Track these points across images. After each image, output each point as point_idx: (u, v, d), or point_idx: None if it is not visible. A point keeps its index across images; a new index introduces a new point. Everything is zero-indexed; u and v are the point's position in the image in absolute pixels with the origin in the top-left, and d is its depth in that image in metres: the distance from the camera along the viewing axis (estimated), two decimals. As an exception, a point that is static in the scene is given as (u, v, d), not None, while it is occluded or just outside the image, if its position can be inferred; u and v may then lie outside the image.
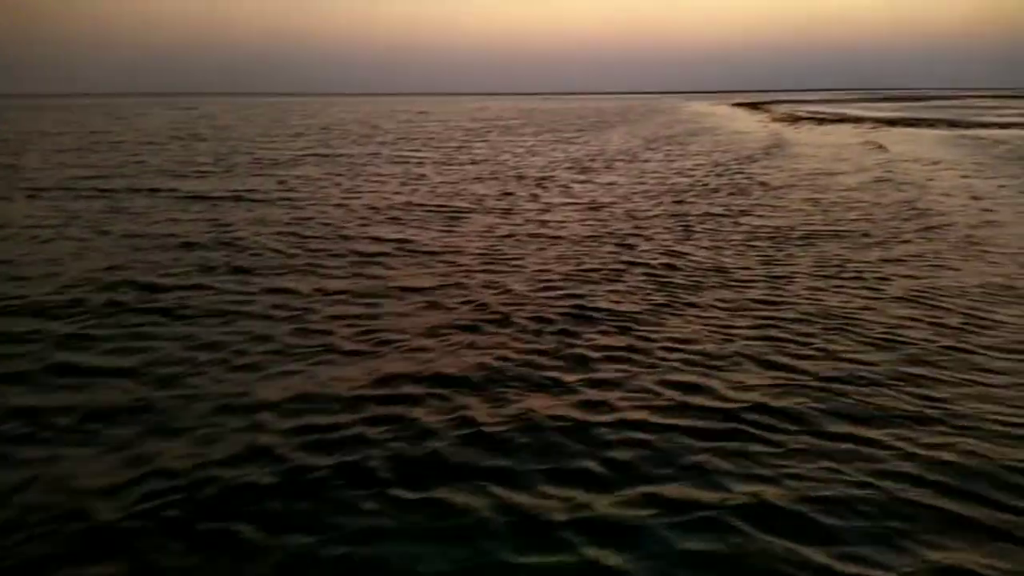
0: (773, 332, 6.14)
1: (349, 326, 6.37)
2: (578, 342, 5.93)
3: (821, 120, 46.24)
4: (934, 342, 5.89)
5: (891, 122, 42.15)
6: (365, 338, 6.08)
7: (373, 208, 12.72)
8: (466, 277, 8.02)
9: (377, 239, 10.09)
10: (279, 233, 10.51)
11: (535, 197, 13.97)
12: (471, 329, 6.30)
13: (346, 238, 10.18)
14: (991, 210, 12.06)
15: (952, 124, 39.84)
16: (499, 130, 39.01)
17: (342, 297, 7.29)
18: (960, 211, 11.98)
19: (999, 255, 8.92)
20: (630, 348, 5.80)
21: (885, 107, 69.95)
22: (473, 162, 20.71)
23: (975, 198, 13.28)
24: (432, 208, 12.66)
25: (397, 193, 14.56)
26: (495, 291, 7.46)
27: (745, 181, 16.00)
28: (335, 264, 8.69)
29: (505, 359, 5.57)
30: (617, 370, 5.36)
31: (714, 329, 6.24)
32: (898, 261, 8.70)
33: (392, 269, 8.47)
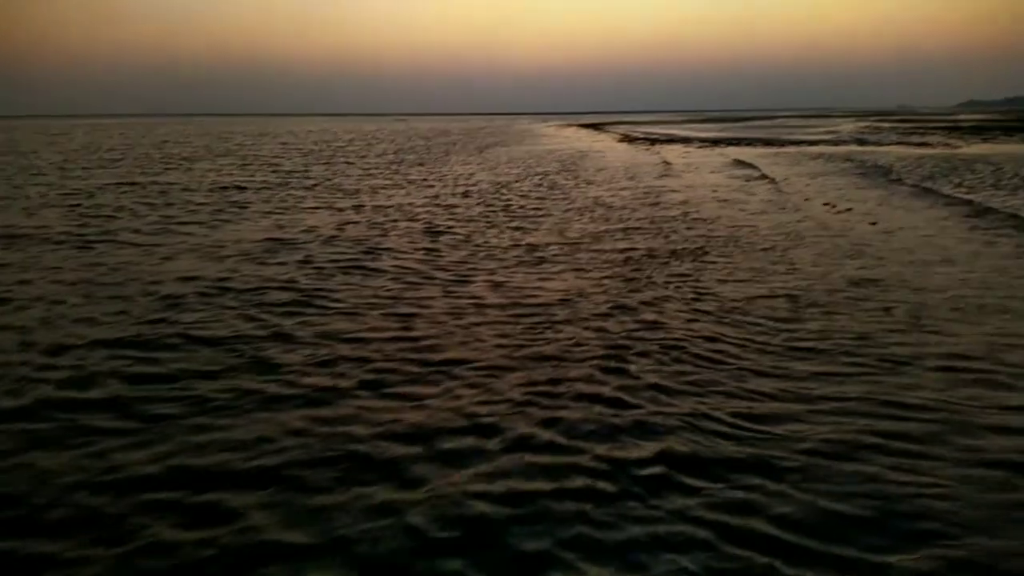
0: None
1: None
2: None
3: (654, 140, 48.90)
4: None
5: (715, 142, 45.26)
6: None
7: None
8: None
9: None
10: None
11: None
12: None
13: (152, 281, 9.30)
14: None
15: (767, 143, 43.40)
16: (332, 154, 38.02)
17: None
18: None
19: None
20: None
21: (711, 128, 75.29)
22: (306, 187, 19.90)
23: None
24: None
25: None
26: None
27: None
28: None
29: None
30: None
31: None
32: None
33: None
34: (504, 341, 6.74)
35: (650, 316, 7.43)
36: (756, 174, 22.69)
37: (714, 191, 18.42)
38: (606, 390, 5.52)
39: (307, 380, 5.80)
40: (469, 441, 4.74)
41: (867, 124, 76.05)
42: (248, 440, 4.74)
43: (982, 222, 13.12)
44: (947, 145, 37.82)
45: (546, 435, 4.81)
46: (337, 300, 8.21)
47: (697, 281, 8.90)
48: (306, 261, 10.36)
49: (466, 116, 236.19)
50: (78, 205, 16.67)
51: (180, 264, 10.24)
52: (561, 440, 4.74)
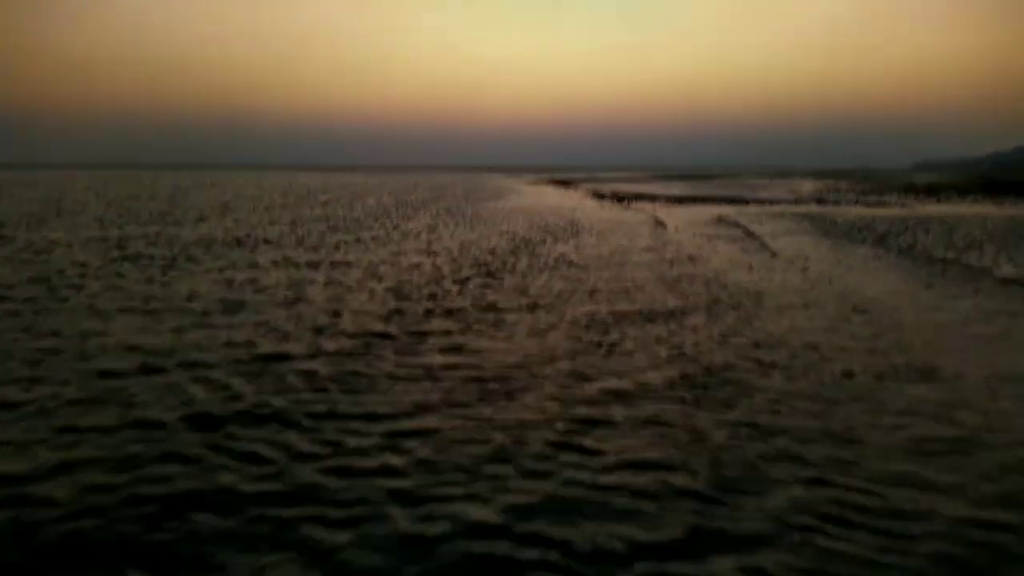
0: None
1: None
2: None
3: (624, 198, 49.57)
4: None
5: (682, 199, 46.06)
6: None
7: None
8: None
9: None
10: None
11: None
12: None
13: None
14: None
15: (732, 201, 44.26)
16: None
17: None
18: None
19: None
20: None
21: (676, 185, 76.76)
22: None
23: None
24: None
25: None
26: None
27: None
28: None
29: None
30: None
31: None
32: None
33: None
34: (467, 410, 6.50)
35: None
36: (740, 232, 22.99)
37: (717, 252, 18.55)
38: (557, 467, 5.31)
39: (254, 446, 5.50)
40: (404, 525, 4.48)
41: (826, 184, 78.30)
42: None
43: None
44: (903, 205, 38.98)
45: (493, 518, 4.56)
46: (290, 360, 7.92)
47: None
48: (262, 323, 10.05)
49: (433, 171, 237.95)
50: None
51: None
52: (507, 521, 4.51)
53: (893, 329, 9.62)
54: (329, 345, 8.77)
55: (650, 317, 10.38)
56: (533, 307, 11.14)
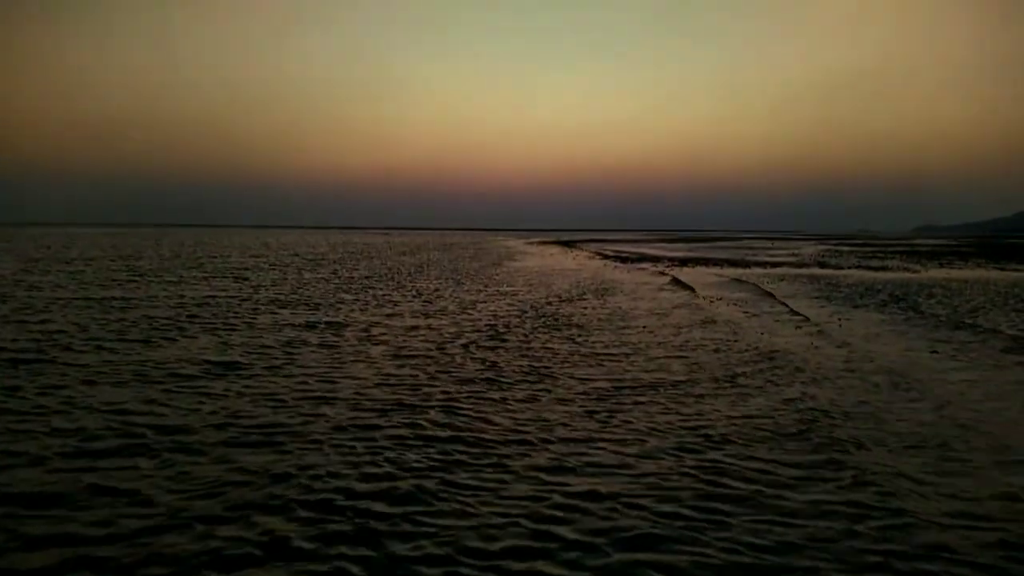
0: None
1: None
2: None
3: (627, 258, 49.60)
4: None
5: (685, 261, 46.07)
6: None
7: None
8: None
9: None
10: None
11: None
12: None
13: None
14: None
15: (732, 263, 44.25)
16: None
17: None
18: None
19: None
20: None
21: (678, 247, 77.09)
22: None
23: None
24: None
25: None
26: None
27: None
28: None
29: None
30: None
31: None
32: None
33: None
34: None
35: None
36: (759, 294, 22.77)
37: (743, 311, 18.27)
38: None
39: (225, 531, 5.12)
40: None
41: (827, 247, 78.59)
42: None
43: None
44: (906, 269, 38.85)
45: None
46: (281, 428, 7.56)
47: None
48: (254, 387, 9.71)
49: (438, 231, 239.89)
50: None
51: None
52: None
53: (945, 403, 9.18)
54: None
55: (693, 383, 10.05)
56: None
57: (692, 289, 25.07)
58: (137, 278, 28.00)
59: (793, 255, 57.25)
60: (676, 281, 28.59)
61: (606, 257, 51.11)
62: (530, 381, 10.21)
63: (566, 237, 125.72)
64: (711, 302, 20.91)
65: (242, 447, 7.09)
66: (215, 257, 45.78)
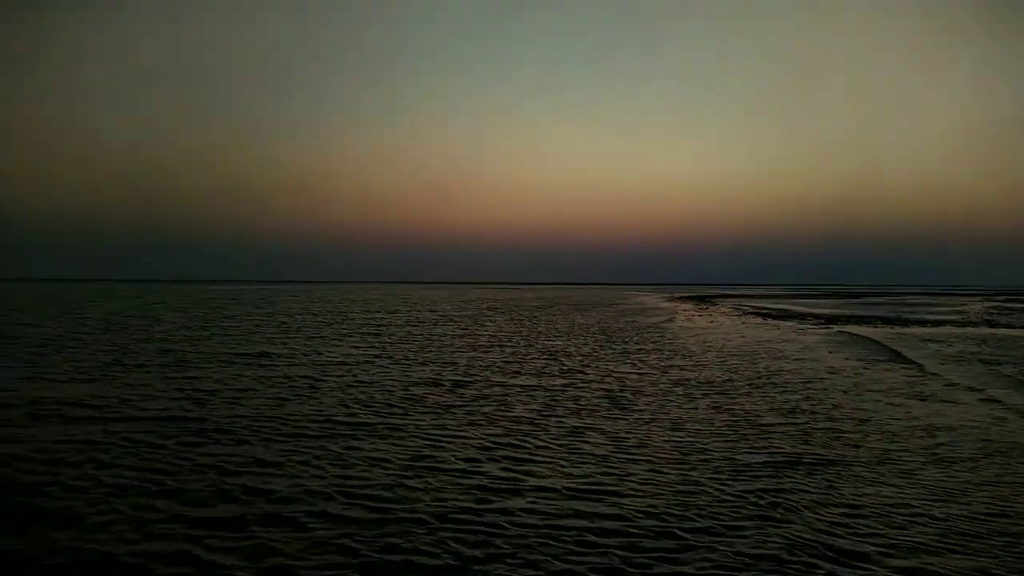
0: None
1: None
2: None
3: (776, 315, 46.58)
4: None
5: (832, 319, 42.62)
6: None
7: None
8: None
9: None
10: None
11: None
12: None
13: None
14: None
15: (887, 321, 40.39)
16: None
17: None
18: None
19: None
20: None
21: (824, 303, 72.09)
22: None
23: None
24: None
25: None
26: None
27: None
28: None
29: None
30: None
31: None
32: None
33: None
34: None
35: None
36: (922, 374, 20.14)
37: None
38: None
39: None
40: None
41: (994, 304, 70.86)
42: None
43: None
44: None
45: None
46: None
47: None
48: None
49: (568, 287, 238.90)
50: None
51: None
52: None
53: None
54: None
55: None
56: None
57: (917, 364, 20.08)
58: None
59: (956, 312, 51.74)
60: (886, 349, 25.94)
61: (759, 314, 48.09)
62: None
63: (685, 292, 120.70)
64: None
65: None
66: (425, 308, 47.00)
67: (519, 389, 14.07)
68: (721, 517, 6.57)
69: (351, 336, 26.63)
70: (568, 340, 26.08)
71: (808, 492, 7.38)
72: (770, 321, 40.46)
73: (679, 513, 6.67)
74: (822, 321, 40.31)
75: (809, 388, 14.50)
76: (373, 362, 18.24)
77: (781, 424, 10.84)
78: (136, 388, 13.55)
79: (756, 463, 8.52)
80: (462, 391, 13.73)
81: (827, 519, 6.57)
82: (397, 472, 8.02)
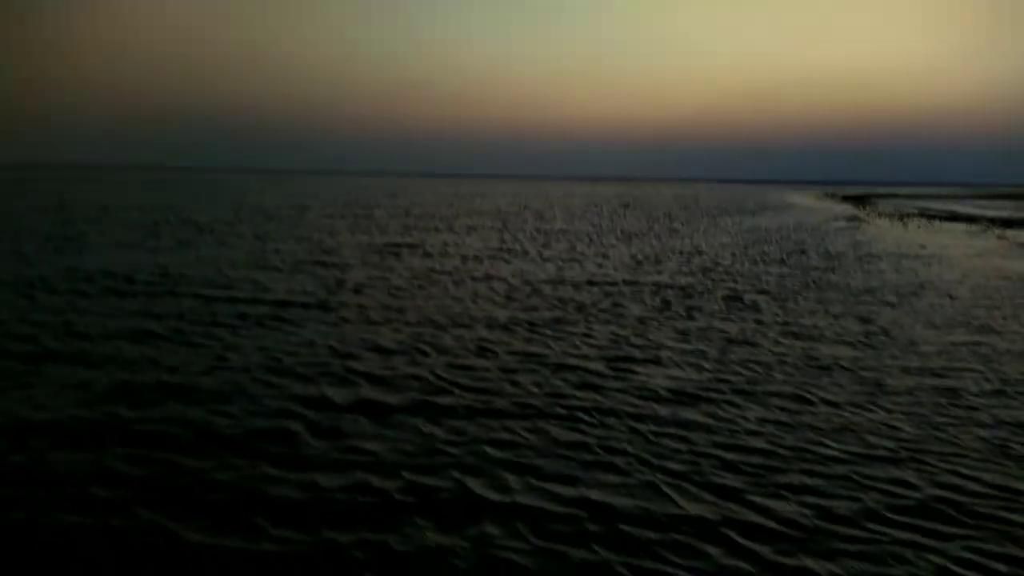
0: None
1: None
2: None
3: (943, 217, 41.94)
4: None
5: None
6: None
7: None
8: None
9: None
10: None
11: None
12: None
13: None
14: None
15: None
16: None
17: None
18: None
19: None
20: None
21: (1003, 204, 62.43)
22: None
23: None
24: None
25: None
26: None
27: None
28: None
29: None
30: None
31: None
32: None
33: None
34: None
35: None
36: None
37: None
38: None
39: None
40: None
41: None
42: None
43: None
44: None
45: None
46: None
47: None
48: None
49: (713, 182, 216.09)
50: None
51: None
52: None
53: None
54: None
55: None
56: None
57: None
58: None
59: None
60: None
61: (952, 219, 39.70)
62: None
63: (830, 190, 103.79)
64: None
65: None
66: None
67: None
68: None
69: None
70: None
71: None
72: (991, 232, 33.36)
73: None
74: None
75: None
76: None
77: None
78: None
79: None
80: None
81: None
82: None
